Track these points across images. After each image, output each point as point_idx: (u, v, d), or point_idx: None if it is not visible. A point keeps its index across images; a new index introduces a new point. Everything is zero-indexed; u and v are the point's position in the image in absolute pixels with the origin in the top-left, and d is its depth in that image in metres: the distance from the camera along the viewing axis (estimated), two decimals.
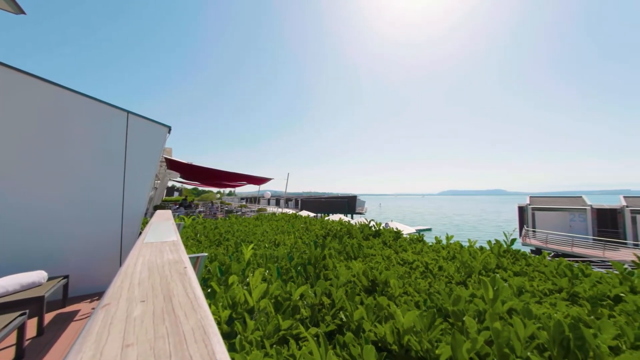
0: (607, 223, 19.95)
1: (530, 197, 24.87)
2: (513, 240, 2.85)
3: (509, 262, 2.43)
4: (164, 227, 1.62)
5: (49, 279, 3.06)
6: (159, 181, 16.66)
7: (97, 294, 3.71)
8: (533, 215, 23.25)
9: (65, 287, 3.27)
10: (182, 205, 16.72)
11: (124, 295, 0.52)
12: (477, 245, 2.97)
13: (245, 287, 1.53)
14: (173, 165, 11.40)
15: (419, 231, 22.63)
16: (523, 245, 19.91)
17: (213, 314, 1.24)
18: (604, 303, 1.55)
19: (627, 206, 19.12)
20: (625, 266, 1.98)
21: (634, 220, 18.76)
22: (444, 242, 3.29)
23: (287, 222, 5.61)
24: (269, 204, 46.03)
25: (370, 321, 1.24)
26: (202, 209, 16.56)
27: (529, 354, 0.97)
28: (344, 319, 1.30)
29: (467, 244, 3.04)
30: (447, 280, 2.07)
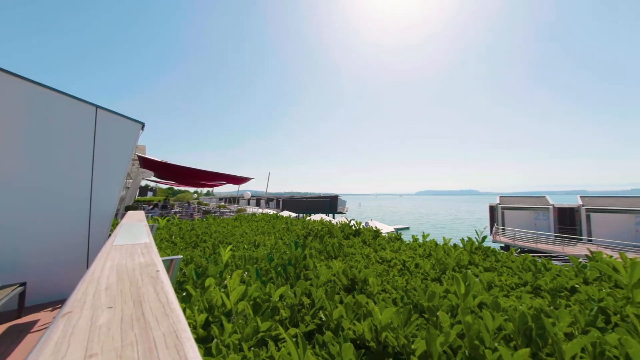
0: (567, 221, 21.66)
1: (500, 197, 26.42)
2: (484, 238, 3.02)
3: (480, 259, 2.57)
4: (136, 229, 1.54)
5: (0, 287, 2.79)
6: (131, 180, 15.81)
7: (60, 302, 3.44)
8: (502, 214, 24.72)
9: (22, 295, 3.01)
10: (156, 205, 15.97)
11: (89, 301, 0.48)
12: (451, 243, 3.11)
13: (222, 290, 1.49)
14: (147, 163, 10.85)
15: (397, 230, 23.27)
16: (493, 242, 21.09)
17: (188, 318, 1.20)
18: (562, 294, 1.68)
19: (583, 205, 20.87)
20: (580, 260, 2.16)
21: (588, 218, 20.52)
22: (421, 240, 3.41)
23: (268, 223, 5.54)
24: (249, 204, 45.20)
25: (349, 319, 1.25)
26: (178, 210, 15.92)
27: (496, 344, 1.03)
28: (324, 318, 1.30)
29: (442, 241, 3.17)
30: (423, 277, 2.15)
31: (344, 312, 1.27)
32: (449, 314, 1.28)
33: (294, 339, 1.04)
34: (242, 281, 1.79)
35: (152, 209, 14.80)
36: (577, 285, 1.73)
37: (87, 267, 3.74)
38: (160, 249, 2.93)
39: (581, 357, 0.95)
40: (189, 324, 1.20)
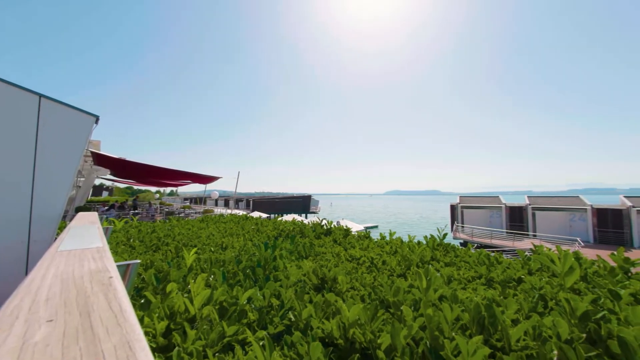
0: (516, 218, 23.95)
1: (460, 197, 28.45)
2: (445, 235, 3.22)
3: (441, 255, 2.74)
4: (87, 232, 1.40)
5: None
6: (83, 179, 14.36)
7: None
8: (462, 212, 26.63)
9: None
10: (112, 206, 14.66)
11: (22, 316, 0.43)
12: (416, 240, 3.28)
13: (186, 295, 1.41)
14: (101, 160, 9.92)
15: (366, 228, 23.94)
16: (454, 239, 22.64)
17: (146, 327, 1.12)
18: (511, 285, 1.86)
19: (529, 204, 23.25)
20: (526, 253, 2.41)
21: (533, 215, 22.92)
22: (388, 238, 3.54)
23: (237, 224, 5.38)
24: (216, 204, 43.43)
25: (318, 318, 1.26)
26: (138, 211, 14.78)
27: (454, 334, 1.11)
28: (293, 319, 1.30)
29: (407, 239, 3.33)
30: (390, 273, 2.24)
31: (313, 311, 1.28)
32: (412, 307, 1.35)
33: (261, 342, 1.02)
34: (208, 285, 1.72)
35: (107, 209, 13.57)
36: (522, 276, 1.92)
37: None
38: (115, 253, 2.70)
39: (524, 339, 1.06)
40: (148, 332, 1.12)
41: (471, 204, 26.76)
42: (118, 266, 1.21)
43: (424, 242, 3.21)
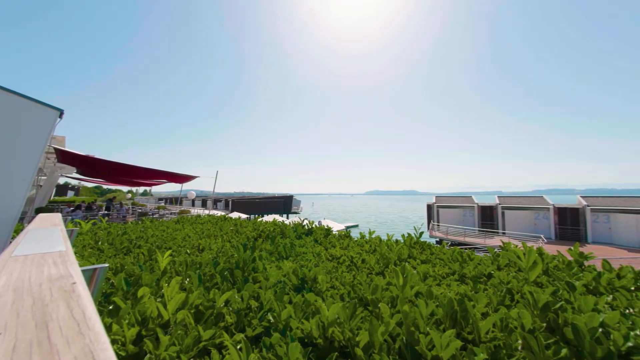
0: (487, 217, 25.33)
1: (436, 197, 29.61)
2: (421, 233, 3.34)
3: (417, 252, 2.83)
4: (48, 235, 1.30)
5: None
6: (44, 177, 13.30)
7: None
8: (438, 212, 27.74)
9: None
10: (79, 207, 13.69)
11: None
12: (394, 238, 3.36)
13: (159, 300, 1.35)
14: (66, 157, 9.22)
15: (347, 228, 24.22)
16: (430, 237, 23.53)
17: (115, 334, 1.06)
18: (482, 280, 1.96)
19: (499, 204, 24.69)
20: (495, 250, 2.55)
21: (503, 214, 24.37)
22: (368, 237, 3.61)
23: (214, 225, 5.23)
24: (193, 205, 41.95)
25: (297, 319, 1.26)
26: (107, 212, 13.91)
27: (428, 329, 1.15)
28: (272, 320, 1.29)
29: (386, 237, 3.41)
30: (369, 271, 2.28)
31: (292, 312, 1.27)
32: (390, 304, 1.39)
33: (239, 345, 1.00)
34: (183, 289, 1.66)
35: (73, 210, 12.66)
36: (492, 272, 2.03)
37: None
38: (81, 257, 2.52)
39: (492, 331, 1.12)
40: (116, 340, 1.06)
41: (446, 203, 27.97)
42: (83, 271, 1.13)
43: (402, 240, 3.30)
